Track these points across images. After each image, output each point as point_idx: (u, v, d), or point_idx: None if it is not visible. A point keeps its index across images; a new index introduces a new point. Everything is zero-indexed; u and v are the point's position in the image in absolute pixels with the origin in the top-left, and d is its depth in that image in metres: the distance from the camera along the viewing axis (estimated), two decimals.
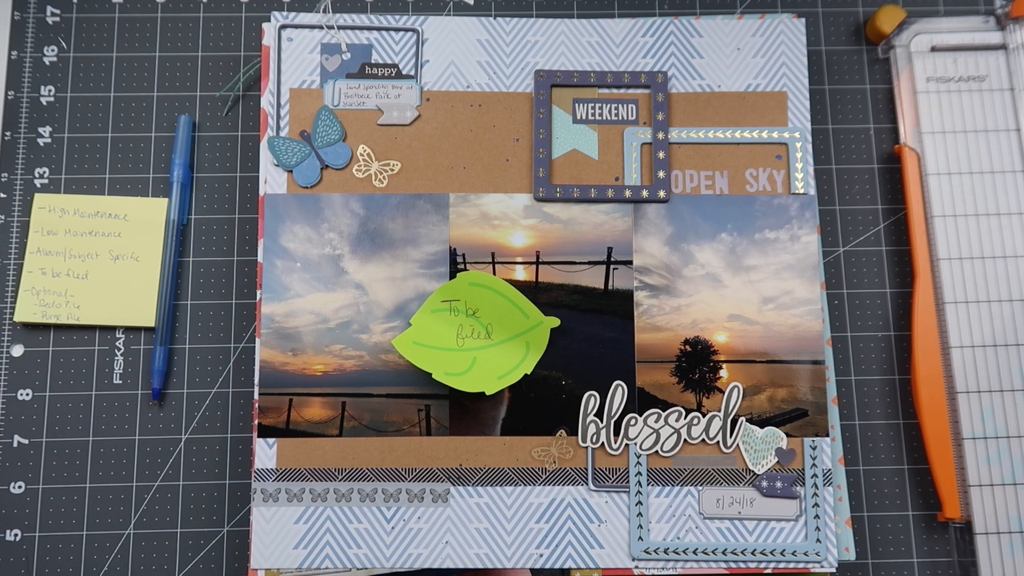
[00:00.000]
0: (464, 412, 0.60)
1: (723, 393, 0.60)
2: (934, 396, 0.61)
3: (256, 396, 0.59)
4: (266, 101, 0.63)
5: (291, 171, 0.62)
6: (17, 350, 0.63)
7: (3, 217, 0.64)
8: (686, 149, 0.63)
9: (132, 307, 0.63)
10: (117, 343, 0.63)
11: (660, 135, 0.63)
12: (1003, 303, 0.62)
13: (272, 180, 0.62)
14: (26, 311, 0.62)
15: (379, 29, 0.64)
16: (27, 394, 0.62)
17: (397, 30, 0.64)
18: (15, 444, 0.61)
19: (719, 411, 0.60)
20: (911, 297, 0.63)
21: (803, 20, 0.65)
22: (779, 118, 0.64)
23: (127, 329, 0.63)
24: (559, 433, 0.60)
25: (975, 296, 0.62)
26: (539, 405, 0.60)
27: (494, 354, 0.60)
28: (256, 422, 0.59)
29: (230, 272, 0.64)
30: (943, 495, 0.60)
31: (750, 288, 0.61)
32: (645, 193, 0.62)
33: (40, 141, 0.65)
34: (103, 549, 0.60)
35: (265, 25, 0.64)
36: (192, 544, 0.61)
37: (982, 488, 0.60)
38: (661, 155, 0.62)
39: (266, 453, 0.59)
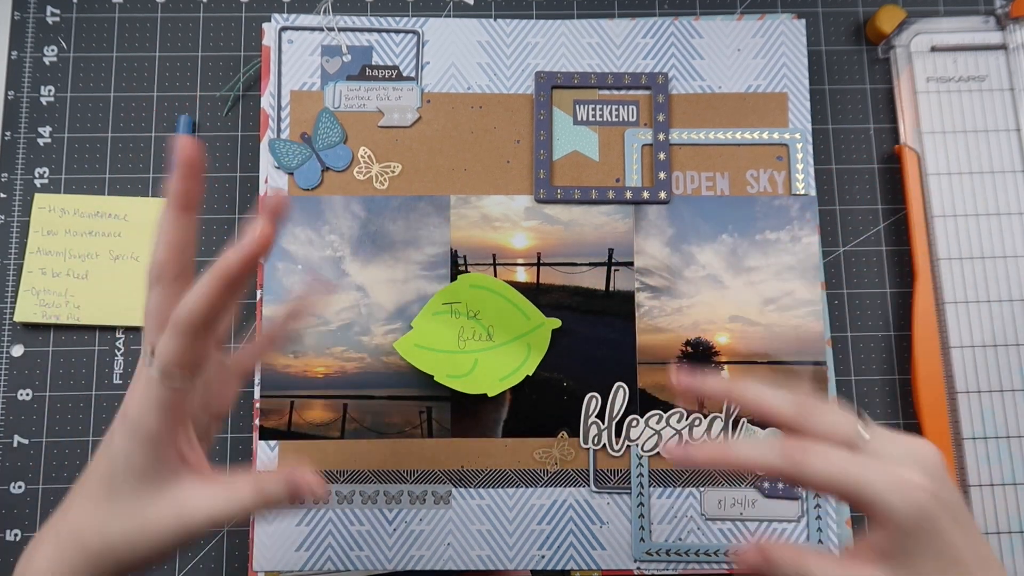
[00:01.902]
0: (466, 414, 0.60)
1: None
2: (934, 396, 0.61)
3: (257, 398, 0.59)
4: (266, 102, 0.63)
5: (292, 173, 0.62)
6: (17, 350, 0.62)
7: (3, 217, 0.64)
8: (687, 150, 0.63)
9: (132, 307, 0.62)
10: (117, 343, 0.63)
11: (661, 136, 0.63)
12: (1003, 303, 0.62)
13: (273, 182, 0.62)
14: (26, 311, 0.62)
15: (379, 31, 0.64)
16: (27, 394, 0.62)
17: (398, 31, 0.64)
18: (15, 444, 0.61)
19: (720, 412, 0.60)
20: (911, 297, 0.63)
21: (803, 21, 0.65)
22: (779, 119, 0.63)
23: (127, 329, 0.63)
24: (561, 435, 0.60)
25: (975, 296, 0.62)
26: (541, 407, 0.60)
27: (495, 356, 0.60)
28: (257, 423, 0.59)
29: None
30: None
31: (751, 289, 0.61)
32: (646, 194, 0.62)
33: (40, 141, 0.65)
34: None
35: (265, 25, 0.64)
36: (192, 544, 0.60)
37: (982, 488, 0.60)
38: (662, 156, 0.62)
39: (267, 455, 0.59)
